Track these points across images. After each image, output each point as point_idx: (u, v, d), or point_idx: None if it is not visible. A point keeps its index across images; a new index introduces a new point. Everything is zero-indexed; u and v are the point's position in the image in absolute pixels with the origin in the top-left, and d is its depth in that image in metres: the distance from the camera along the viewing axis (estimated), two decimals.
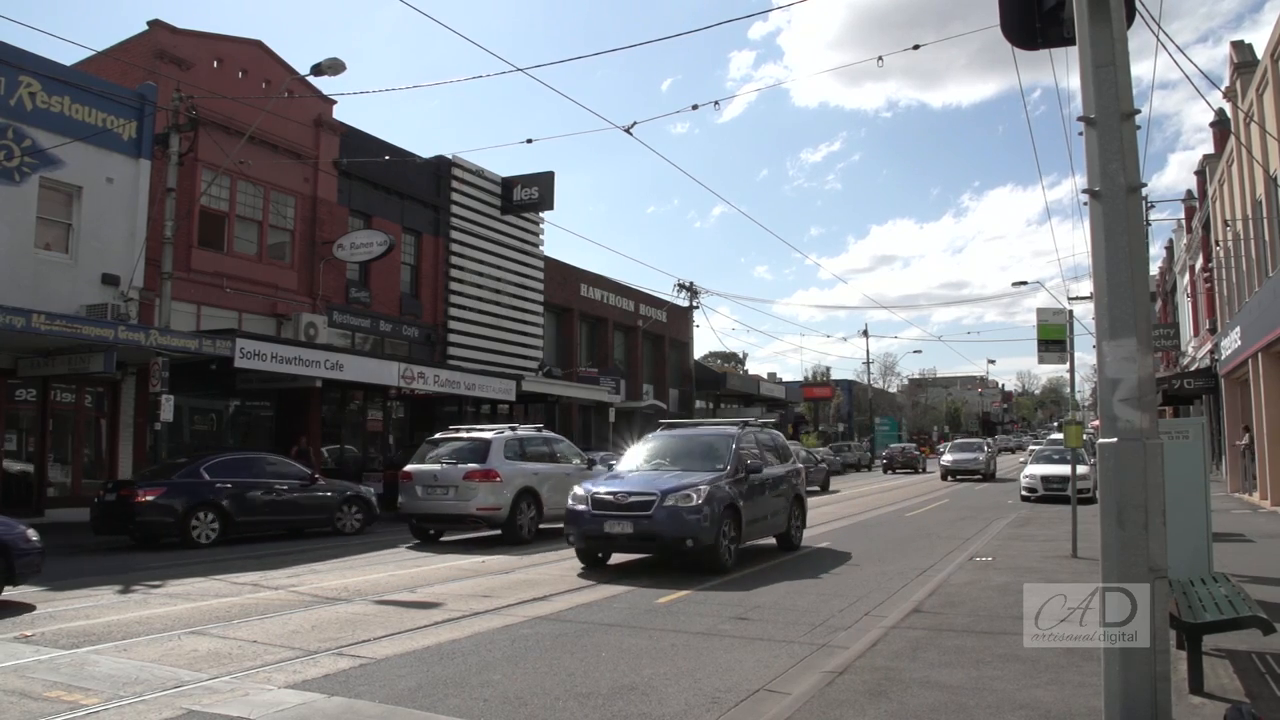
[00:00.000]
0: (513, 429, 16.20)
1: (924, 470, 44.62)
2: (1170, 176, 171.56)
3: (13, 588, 9.02)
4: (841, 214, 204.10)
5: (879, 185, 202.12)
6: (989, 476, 34.82)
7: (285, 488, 15.52)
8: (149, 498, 13.79)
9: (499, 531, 14.54)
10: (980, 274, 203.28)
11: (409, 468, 15.10)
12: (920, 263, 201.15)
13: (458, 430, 16.33)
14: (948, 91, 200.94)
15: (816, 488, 27.12)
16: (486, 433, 15.45)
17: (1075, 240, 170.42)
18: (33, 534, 9.20)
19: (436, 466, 14.79)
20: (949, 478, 34.77)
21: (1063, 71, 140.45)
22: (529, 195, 28.98)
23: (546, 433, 17.21)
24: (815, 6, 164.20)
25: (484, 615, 8.23)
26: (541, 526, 15.01)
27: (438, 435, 16.19)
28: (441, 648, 6.95)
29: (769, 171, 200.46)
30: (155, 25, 20.05)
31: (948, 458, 36.43)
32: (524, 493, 14.62)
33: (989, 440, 46.31)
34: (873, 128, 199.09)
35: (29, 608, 8.74)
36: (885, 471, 45.03)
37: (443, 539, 15.16)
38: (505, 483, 14.38)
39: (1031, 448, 48.51)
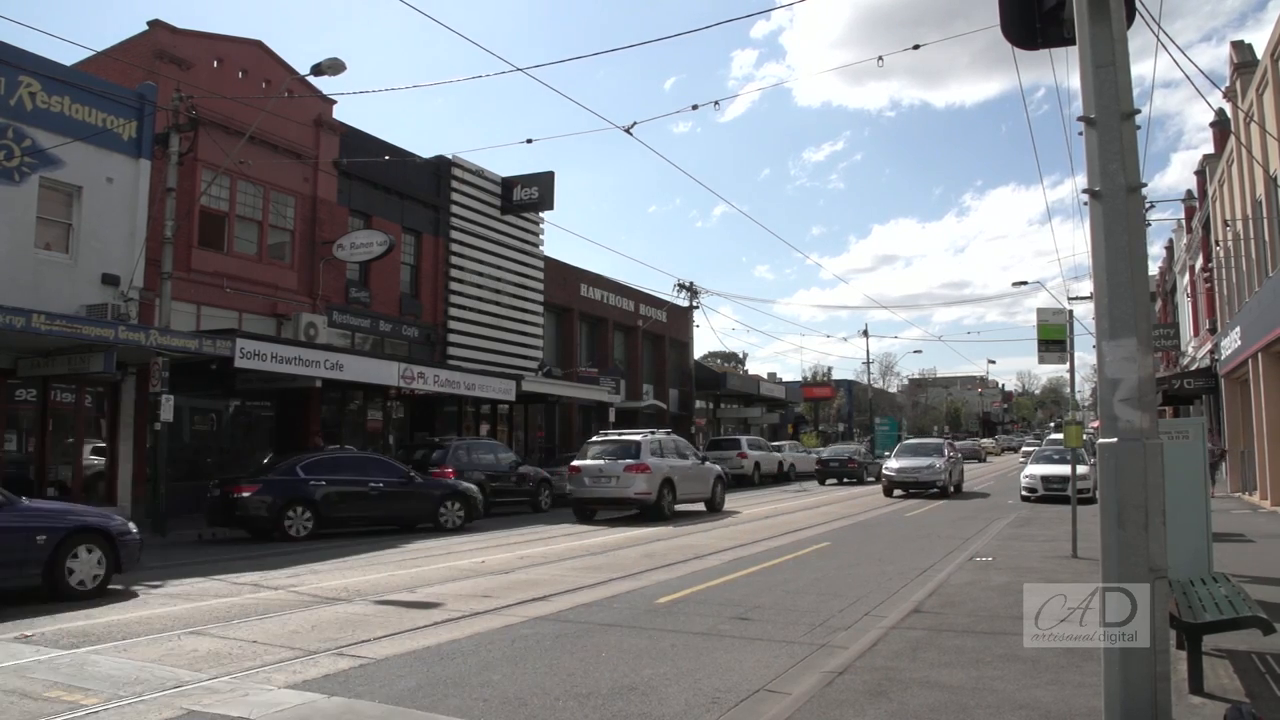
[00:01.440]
0: (652, 433, 20.38)
1: None
2: (1173, 176, 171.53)
3: (119, 574, 9.83)
4: (844, 213, 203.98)
5: (882, 185, 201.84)
6: (949, 491, 25.39)
7: (381, 485, 16.49)
8: (245, 494, 15.04)
9: (637, 510, 18.84)
10: (982, 274, 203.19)
11: (576, 463, 19.40)
12: (922, 262, 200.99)
13: (606, 434, 21.15)
14: (951, 91, 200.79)
15: (873, 479, 33.77)
16: (635, 435, 19.85)
17: (1076, 240, 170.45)
18: (132, 525, 10.13)
19: (600, 461, 18.92)
20: (894, 492, 25.23)
21: (1065, 71, 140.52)
22: (529, 195, 28.98)
23: (674, 436, 21.51)
24: (818, 6, 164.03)
25: (484, 615, 8.24)
26: (677, 507, 19.48)
27: (594, 438, 20.50)
28: (441, 648, 6.96)
29: (771, 171, 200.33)
30: (155, 25, 20.04)
31: (892, 464, 26.24)
32: (665, 482, 18.83)
33: (951, 442, 33.88)
34: (876, 127, 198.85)
35: (133, 594, 9.62)
36: None
37: (597, 517, 19.09)
38: (654, 474, 18.58)
39: (1025, 449, 48.05)
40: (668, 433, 21.48)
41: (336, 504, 15.91)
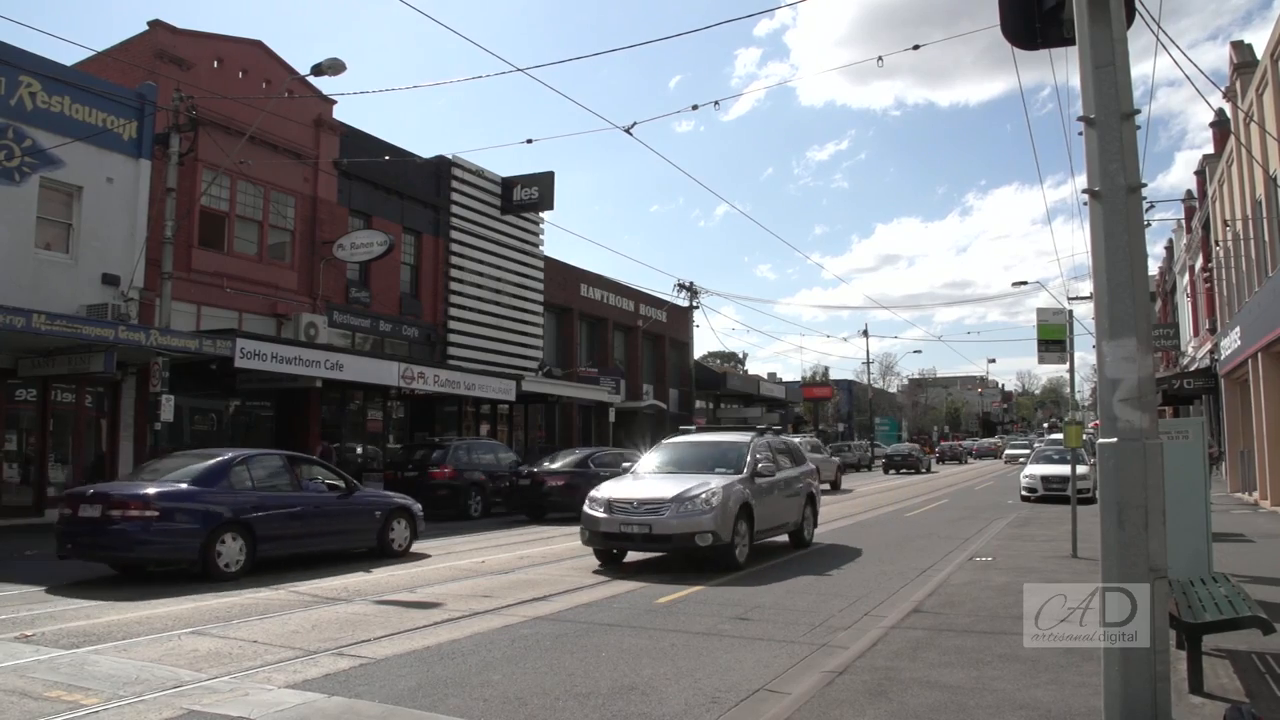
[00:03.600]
0: (804, 437, 29.65)
1: (965, 462, 60.30)
2: (1176, 175, 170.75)
3: (418, 541, 13.22)
4: (847, 213, 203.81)
5: (886, 184, 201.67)
6: (736, 558, 10.97)
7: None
8: (559, 483, 18.44)
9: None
10: (984, 273, 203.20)
11: None
12: (924, 262, 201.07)
13: (785, 437, 29.42)
14: (955, 90, 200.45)
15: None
16: (795, 439, 25.38)
17: (1078, 240, 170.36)
18: (418, 506, 13.39)
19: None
20: (611, 557, 11.72)
21: (1066, 70, 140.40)
22: (529, 195, 28.99)
23: (812, 438, 32.94)
24: (822, 4, 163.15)
25: (484, 615, 8.24)
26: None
27: (783, 440, 29.41)
28: (441, 648, 6.96)
29: (775, 170, 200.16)
30: (155, 25, 20.05)
31: (603, 492, 11.57)
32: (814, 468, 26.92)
33: (784, 443, 14.79)
34: (881, 126, 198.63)
35: (427, 556, 12.80)
36: (939, 462, 56.93)
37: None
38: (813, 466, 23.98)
39: (1009, 451, 48.35)
40: (813, 436, 35.94)
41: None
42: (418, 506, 13.37)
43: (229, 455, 11.42)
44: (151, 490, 10.29)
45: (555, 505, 18.37)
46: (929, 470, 45.29)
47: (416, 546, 13.20)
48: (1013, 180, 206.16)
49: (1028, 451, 44.81)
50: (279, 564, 11.21)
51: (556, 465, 19.56)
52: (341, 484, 12.50)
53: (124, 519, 10.04)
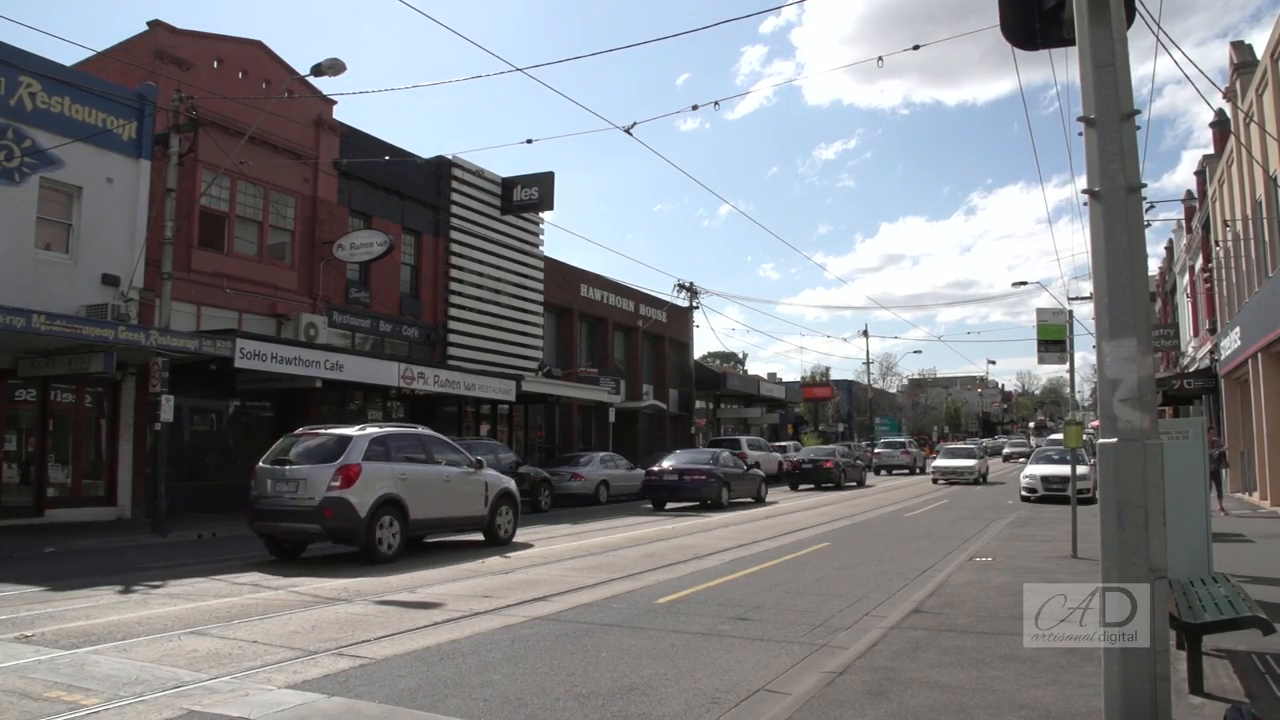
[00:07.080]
0: (912, 439, 52.74)
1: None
2: (1181, 174, 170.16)
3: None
4: (852, 212, 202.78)
5: (892, 183, 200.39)
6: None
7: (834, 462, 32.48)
8: (830, 465, 31.04)
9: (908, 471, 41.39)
10: (988, 273, 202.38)
11: (877, 449, 45.27)
12: (929, 261, 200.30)
13: (891, 440, 45.23)
14: (963, 89, 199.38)
15: (853, 483, 34.52)
16: (902, 439, 47.89)
17: (1081, 240, 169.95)
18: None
19: (890, 451, 44.59)
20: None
21: (1068, 70, 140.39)
22: (529, 195, 28.96)
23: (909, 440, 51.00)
24: (828, 2, 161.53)
25: (484, 615, 8.24)
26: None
27: (884, 441, 43.41)
28: (441, 648, 6.96)
29: (780, 169, 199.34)
30: (155, 25, 20.04)
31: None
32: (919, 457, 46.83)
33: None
34: (889, 125, 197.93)
35: (775, 502, 23.80)
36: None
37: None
38: (909, 453, 45.20)
39: (939, 463, 36.15)
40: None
41: (841, 470, 31.64)
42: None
43: (713, 450, 24.73)
44: (702, 465, 22.50)
45: (828, 479, 29.85)
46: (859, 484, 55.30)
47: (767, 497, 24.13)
48: (1018, 179, 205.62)
49: (972, 463, 33.57)
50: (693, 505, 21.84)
51: (820, 456, 31.62)
52: (745, 464, 24.63)
53: (691, 480, 22.04)
